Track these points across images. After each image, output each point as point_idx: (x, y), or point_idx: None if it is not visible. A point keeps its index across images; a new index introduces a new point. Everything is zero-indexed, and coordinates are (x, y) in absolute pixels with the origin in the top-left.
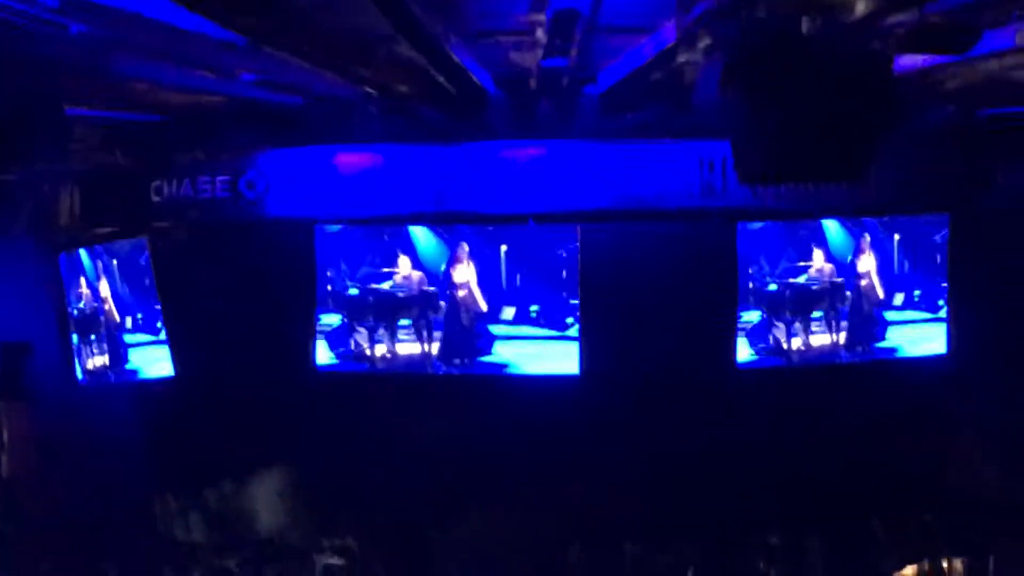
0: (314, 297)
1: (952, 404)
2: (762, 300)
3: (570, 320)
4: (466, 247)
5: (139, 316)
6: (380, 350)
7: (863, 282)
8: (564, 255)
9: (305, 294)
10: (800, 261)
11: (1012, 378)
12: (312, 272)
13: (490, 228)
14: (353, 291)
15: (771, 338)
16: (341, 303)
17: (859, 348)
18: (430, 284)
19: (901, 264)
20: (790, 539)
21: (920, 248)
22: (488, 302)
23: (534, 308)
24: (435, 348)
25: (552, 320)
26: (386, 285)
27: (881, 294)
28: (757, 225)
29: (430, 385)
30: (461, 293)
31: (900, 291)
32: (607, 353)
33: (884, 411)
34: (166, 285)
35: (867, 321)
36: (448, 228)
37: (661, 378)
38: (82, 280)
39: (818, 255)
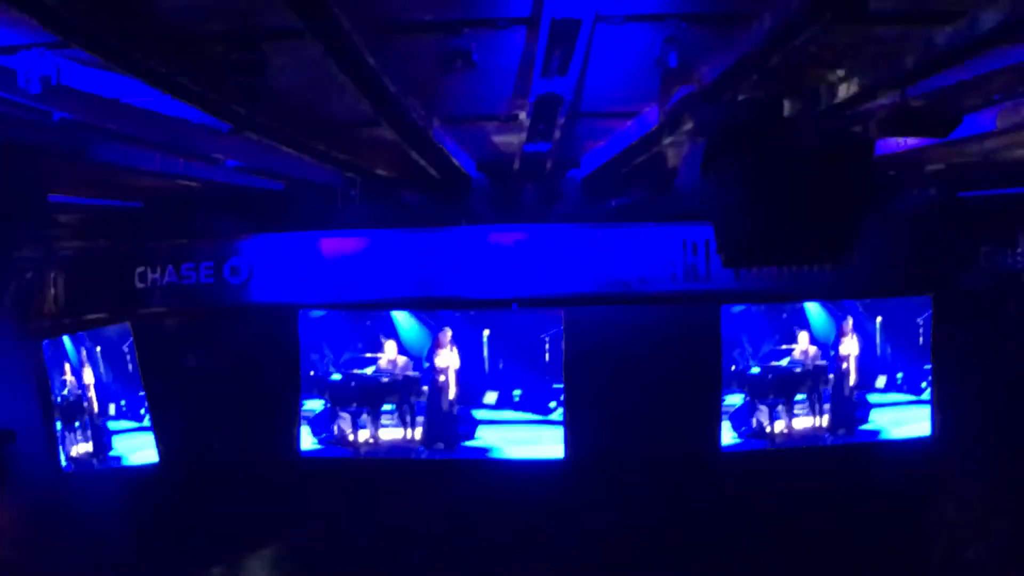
0: (298, 382)
1: (937, 487)
2: (745, 383)
3: (553, 404)
4: (449, 332)
5: (123, 403)
6: (363, 435)
7: (845, 365)
8: (547, 339)
9: (289, 379)
10: (783, 344)
11: (997, 460)
12: (296, 357)
13: (473, 313)
14: (336, 376)
15: (754, 421)
16: (324, 388)
17: (842, 431)
18: (413, 369)
19: (884, 346)
20: None
21: (903, 330)
22: (471, 386)
23: (517, 392)
24: (418, 433)
25: (535, 404)
26: (369, 370)
27: (861, 377)
28: (740, 308)
29: (413, 470)
30: (443, 378)
31: (883, 373)
32: (592, 436)
33: (868, 494)
34: (150, 371)
35: (850, 403)
36: (431, 313)
37: (646, 461)
38: (66, 366)
39: (801, 338)
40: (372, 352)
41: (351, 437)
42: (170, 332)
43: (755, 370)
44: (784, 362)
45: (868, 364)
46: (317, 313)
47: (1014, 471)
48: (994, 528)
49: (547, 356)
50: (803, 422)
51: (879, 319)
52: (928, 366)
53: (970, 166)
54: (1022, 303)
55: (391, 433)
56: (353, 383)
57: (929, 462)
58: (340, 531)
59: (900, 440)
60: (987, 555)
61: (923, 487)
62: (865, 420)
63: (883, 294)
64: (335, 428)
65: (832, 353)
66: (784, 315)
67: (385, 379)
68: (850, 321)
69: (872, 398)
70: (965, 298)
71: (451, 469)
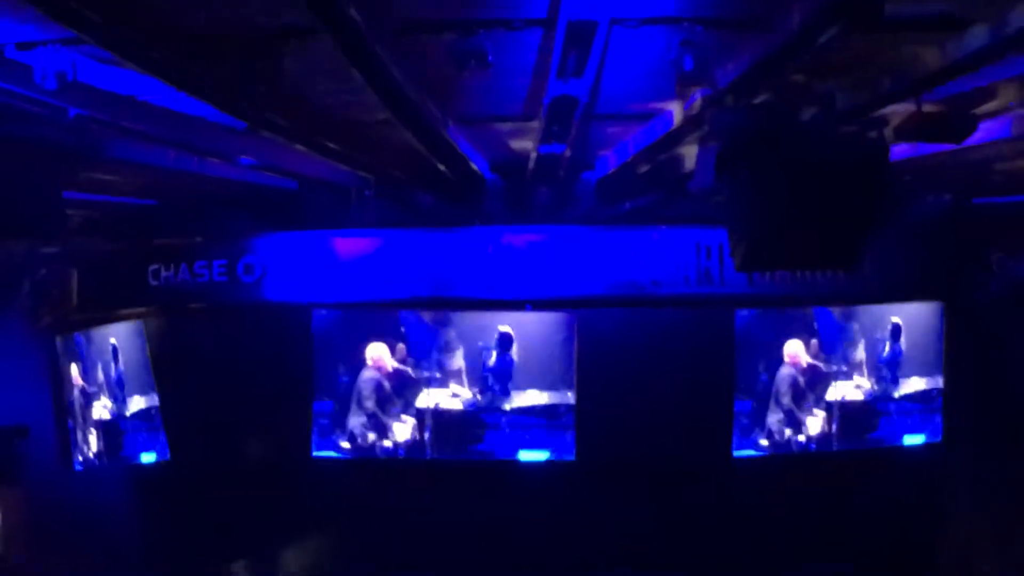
0: (311, 382)
1: (947, 494)
2: (757, 388)
3: (563, 407)
4: (458, 334)
5: (135, 400)
6: (374, 436)
7: (856, 371)
8: (560, 342)
9: (301, 378)
10: (794, 348)
11: (1008, 468)
12: (309, 357)
13: (485, 314)
14: (347, 377)
15: (766, 426)
16: (336, 389)
17: (852, 437)
18: (424, 370)
19: (895, 353)
20: None
21: (914, 337)
22: (483, 389)
23: (528, 395)
24: (429, 435)
25: (546, 407)
26: (379, 372)
27: (871, 384)
28: (753, 312)
29: (424, 472)
30: (454, 380)
31: (894, 380)
32: (603, 439)
33: (878, 500)
34: (162, 369)
35: (860, 410)
36: (443, 314)
37: (656, 465)
38: (78, 364)
39: (813, 344)
40: (383, 353)
41: (362, 438)
42: (183, 330)
43: (767, 375)
44: (795, 369)
45: (880, 370)
46: (330, 313)
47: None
48: (1005, 536)
49: (559, 359)
50: (813, 428)
51: (890, 325)
52: (939, 373)
53: (985, 173)
54: None
55: (402, 434)
56: (365, 384)
57: (940, 470)
58: (350, 531)
59: (911, 446)
60: (999, 564)
61: (933, 494)
62: (876, 426)
63: (895, 300)
64: (347, 429)
65: (844, 359)
66: (797, 320)
67: (395, 381)
68: (861, 327)
69: (883, 404)
70: (978, 305)
71: (462, 471)
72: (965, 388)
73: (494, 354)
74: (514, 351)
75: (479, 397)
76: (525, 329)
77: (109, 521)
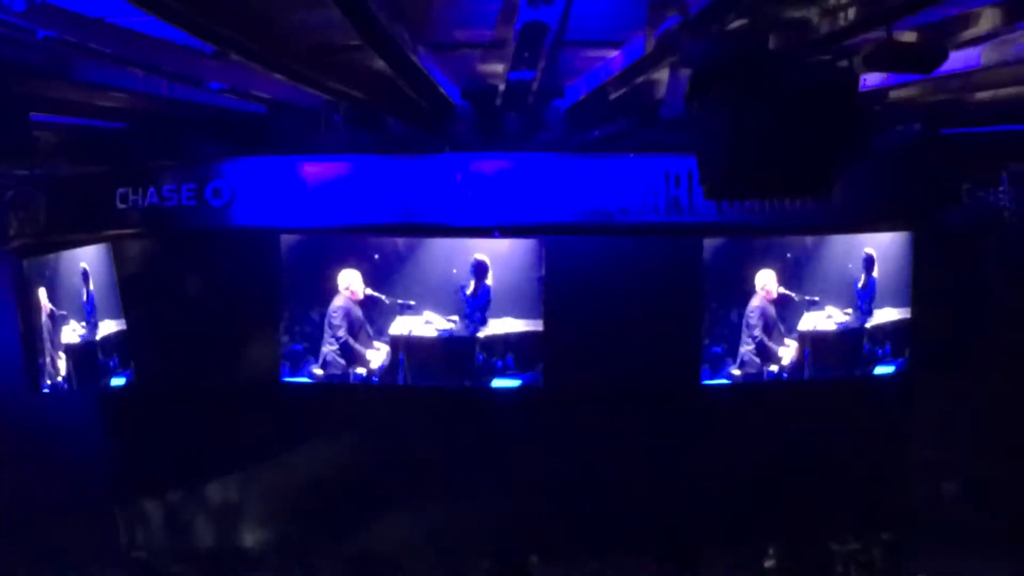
0: (279, 307)
1: (914, 421)
2: (726, 316)
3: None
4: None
5: (105, 324)
6: (346, 363)
7: (828, 301)
8: (533, 270)
9: (270, 304)
10: (764, 278)
11: (973, 396)
12: (277, 283)
13: (459, 241)
14: (318, 304)
15: (738, 356)
16: (307, 316)
17: (824, 367)
18: (398, 297)
19: (869, 284)
20: (750, 557)
21: (886, 268)
22: (459, 316)
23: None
24: (402, 362)
25: (521, 336)
26: (351, 299)
27: (846, 311)
28: (724, 242)
29: (392, 397)
30: (427, 308)
31: (867, 311)
32: (571, 366)
33: (846, 428)
34: (130, 293)
35: (832, 340)
36: (416, 240)
37: (624, 392)
38: (45, 287)
39: (783, 274)
40: (352, 279)
41: (334, 366)
42: (151, 254)
43: (736, 303)
44: (763, 298)
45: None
46: (300, 238)
47: (989, 407)
48: (968, 462)
49: (533, 287)
50: (783, 356)
51: (861, 254)
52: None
53: (955, 103)
54: (1003, 241)
55: (376, 361)
56: (335, 309)
57: (905, 397)
58: (318, 456)
59: (878, 375)
60: (962, 488)
61: (902, 423)
62: (847, 357)
63: (864, 229)
64: (318, 353)
65: (813, 288)
66: (767, 249)
67: (363, 308)
68: (831, 256)
69: (854, 335)
70: (946, 235)
71: (433, 397)
72: (933, 318)
73: (472, 283)
74: (489, 278)
75: (453, 325)
76: (500, 257)
77: (76, 445)
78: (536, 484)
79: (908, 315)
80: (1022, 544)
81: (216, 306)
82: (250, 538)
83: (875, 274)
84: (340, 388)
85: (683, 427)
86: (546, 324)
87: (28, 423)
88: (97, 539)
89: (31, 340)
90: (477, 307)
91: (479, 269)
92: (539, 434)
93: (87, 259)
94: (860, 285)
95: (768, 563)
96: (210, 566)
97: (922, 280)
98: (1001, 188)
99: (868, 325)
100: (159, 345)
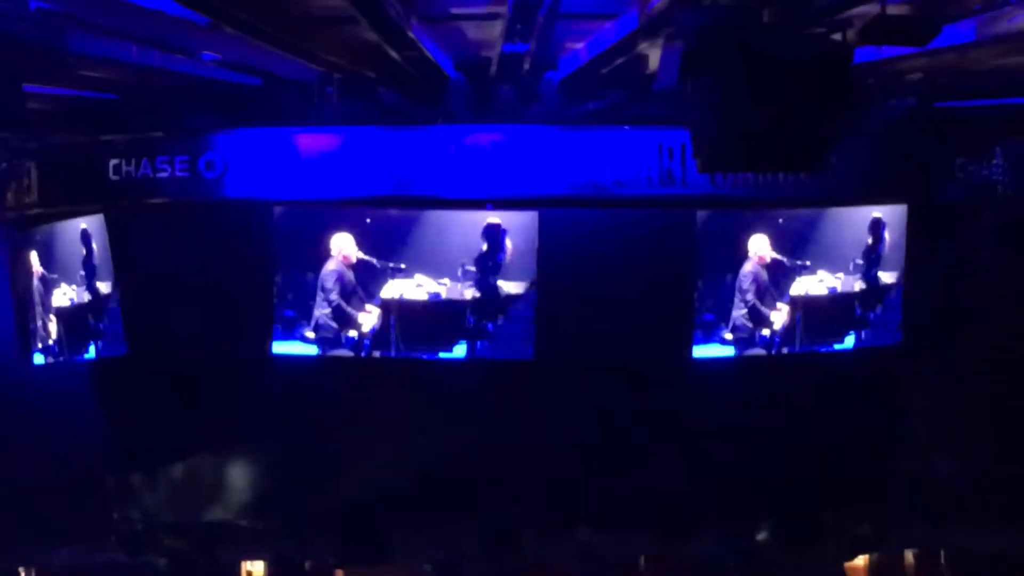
0: (272, 278)
1: (905, 394)
2: (718, 288)
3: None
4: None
5: (96, 294)
6: (338, 327)
7: (821, 267)
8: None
9: (263, 274)
10: (757, 252)
11: (964, 369)
12: (270, 254)
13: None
14: (311, 269)
15: (731, 321)
16: (300, 281)
17: (816, 335)
18: (390, 261)
19: (867, 251)
20: (742, 530)
21: (876, 237)
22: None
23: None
24: (394, 327)
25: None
26: (339, 263)
27: (837, 275)
28: (716, 213)
29: (385, 368)
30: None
31: (866, 278)
32: (563, 338)
33: (838, 401)
34: (122, 264)
35: (825, 307)
36: (404, 212)
37: (616, 365)
38: (36, 251)
39: (776, 245)
40: (344, 249)
41: (326, 330)
42: (144, 225)
43: (728, 276)
44: (756, 268)
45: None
46: (293, 209)
47: (981, 379)
48: (961, 435)
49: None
50: (778, 323)
51: (855, 227)
52: (901, 275)
53: (948, 77)
54: (996, 214)
55: (368, 324)
56: (328, 278)
57: (897, 370)
58: (310, 428)
59: (870, 347)
60: (954, 461)
61: (893, 394)
62: (840, 325)
63: (858, 203)
64: (313, 320)
65: (806, 261)
66: (759, 221)
67: (358, 272)
68: (822, 229)
69: (848, 303)
70: (940, 208)
71: (422, 367)
72: (925, 290)
73: (485, 245)
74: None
75: (444, 288)
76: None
77: (68, 413)
78: (527, 456)
79: (899, 279)
80: (1013, 516)
81: (208, 277)
82: (243, 510)
83: (886, 235)
84: (329, 360)
85: (674, 399)
86: (539, 296)
87: (18, 395)
88: (89, 511)
89: (23, 307)
90: (490, 271)
91: (493, 234)
92: (530, 405)
93: (78, 229)
94: (868, 248)
95: (760, 536)
96: (206, 535)
97: (915, 253)
98: (995, 161)
99: (863, 293)
100: (151, 315)
